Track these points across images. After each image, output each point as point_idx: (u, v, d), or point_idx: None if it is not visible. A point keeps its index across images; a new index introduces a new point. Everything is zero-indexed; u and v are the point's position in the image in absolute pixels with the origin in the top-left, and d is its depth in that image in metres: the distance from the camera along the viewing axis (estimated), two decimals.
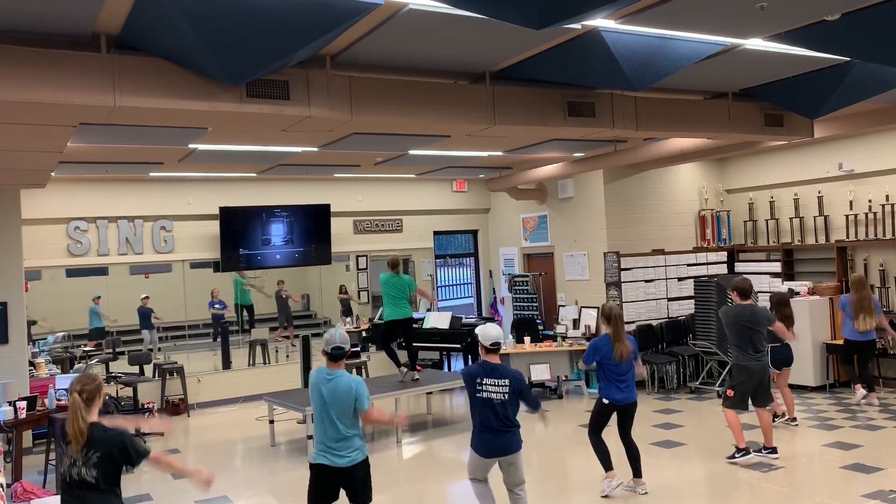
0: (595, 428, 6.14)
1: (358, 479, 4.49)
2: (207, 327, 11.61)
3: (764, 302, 8.61)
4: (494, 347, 5.01)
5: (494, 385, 4.91)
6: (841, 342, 9.04)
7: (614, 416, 6.16)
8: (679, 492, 6.18)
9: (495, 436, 4.92)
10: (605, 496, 6.03)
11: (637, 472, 6.18)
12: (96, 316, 10.61)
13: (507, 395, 4.91)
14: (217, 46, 4.32)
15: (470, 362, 11.45)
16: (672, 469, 6.79)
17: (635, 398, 6.10)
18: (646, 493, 6.11)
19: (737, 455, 6.75)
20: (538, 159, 10.47)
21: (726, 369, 10.02)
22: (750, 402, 6.92)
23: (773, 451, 6.91)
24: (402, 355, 9.19)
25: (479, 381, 4.92)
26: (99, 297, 10.55)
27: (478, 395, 4.92)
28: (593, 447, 6.14)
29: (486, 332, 5.04)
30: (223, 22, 4.11)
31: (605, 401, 6.05)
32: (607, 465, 6.09)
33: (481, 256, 13.63)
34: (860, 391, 8.64)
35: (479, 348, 5.07)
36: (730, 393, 6.81)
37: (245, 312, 12.01)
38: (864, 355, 8.85)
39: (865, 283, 8.79)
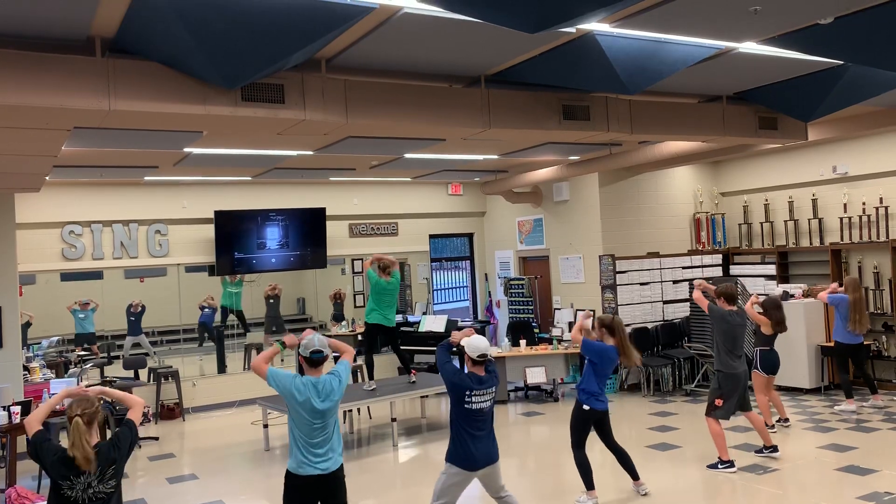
0: (579, 440, 5.99)
1: (339, 486, 4.32)
2: (189, 331, 11.54)
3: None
4: (482, 359, 4.83)
5: (481, 395, 4.77)
6: (832, 345, 9.05)
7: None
8: (675, 494, 6.18)
9: (482, 444, 4.76)
10: None
11: (634, 475, 6.16)
12: (81, 320, 10.53)
13: (492, 402, 4.84)
14: (212, 50, 4.32)
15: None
16: (668, 472, 6.80)
17: (608, 407, 6.06)
18: (647, 493, 6.12)
19: (720, 466, 6.68)
20: (533, 162, 10.49)
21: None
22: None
23: (774, 448, 6.95)
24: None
25: (468, 392, 4.72)
26: (87, 302, 10.46)
27: (465, 405, 4.72)
28: (577, 463, 5.99)
29: (475, 345, 4.83)
30: (218, 25, 4.11)
31: (586, 407, 5.93)
32: (589, 483, 5.96)
33: (477, 260, 13.64)
34: (851, 405, 8.62)
35: (466, 360, 4.87)
36: (719, 402, 6.65)
37: (234, 317, 11.90)
38: (860, 358, 8.87)
39: (860, 286, 8.82)
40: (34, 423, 3.74)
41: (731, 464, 6.67)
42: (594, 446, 6.15)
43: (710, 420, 6.71)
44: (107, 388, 4.15)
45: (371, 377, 8.78)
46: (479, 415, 4.75)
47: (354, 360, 10.34)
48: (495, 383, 4.87)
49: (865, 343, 9.25)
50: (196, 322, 11.45)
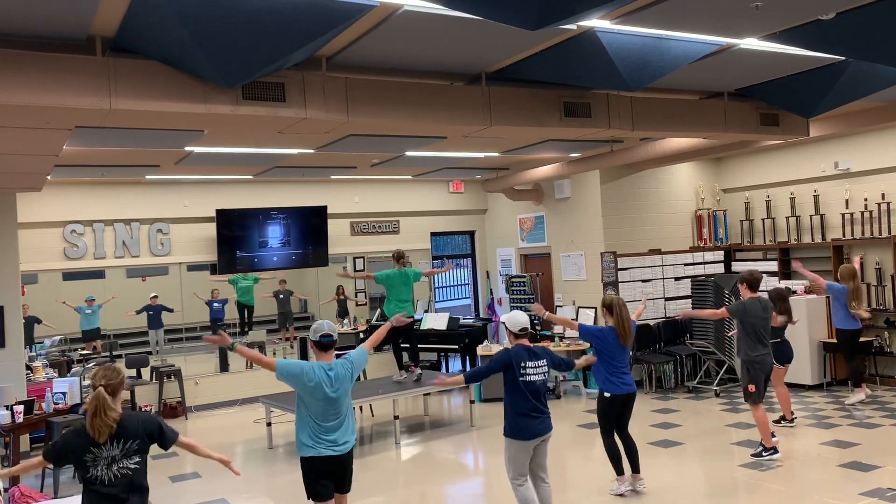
0: (606, 428, 6.10)
1: (349, 465, 4.59)
2: (205, 330, 11.58)
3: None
4: (523, 332, 5.03)
5: (535, 367, 4.95)
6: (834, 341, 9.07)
7: None
8: (678, 491, 6.18)
9: (537, 418, 4.94)
10: (619, 495, 6.05)
11: (635, 468, 6.18)
12: (87, 317, 10.57)
13: (545, 376, 5.01)
14: (213, 48, 4.32)
15: (468, 363, 11.45)
16: (670, 468, 6.80)
17: (634, 390, 6.09)
18: (643, 489, 6.14)
19: (764, 454, 6.77)
20: (534, 160, 10.48)
21: (724, 368, 10.06)
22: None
23: (774, 450, 6.99)
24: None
25: (523, 364, 4.90)
26: (93, 298, 10.51)
27: (521, 378, 4.90)
28: (606, 450, 6.11)
29: (514, 319, 5.07)
30: (219, 24, 4.11)
31: (607, 394, 6.02)
32: (619, 469, 6.08)
33: (478, 257, 13.63)
34: (860, 394, 8.64)
35: (508, 336, 5.09)
36: (751, 388, 6.78)
37: (245, 313, 12.00)
38: (856, 346, 8.90)
39: (856, 273, 8.85)
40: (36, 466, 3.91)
41: (774, 450, 6.75)
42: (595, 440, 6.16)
43: (754, 408, 6.84)
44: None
45: (400, 368, 8.86)
46: (532, 387, 4.93)
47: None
48: (547, 356, 5.06)
49: (867, 339, 9.28)
50: (207, 319, 11.48)
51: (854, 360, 8.87)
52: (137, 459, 3.69)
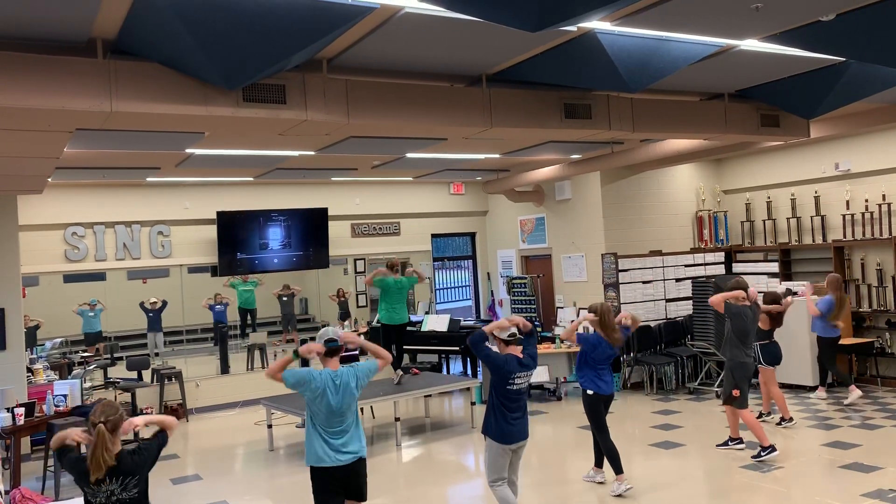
0: (598, 425, 6.24)
1: (361, 474, 4.57)
2: (206, 332, 11.58)
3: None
4: (512, 338, 5.09)
5: (522, 378, 5.06)
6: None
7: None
8: (678, 492, 6.18)
9: (517, 423, 5.06)
10: (619, 495, 6.07)
11: (599, 463, 6.44)
12: (89, 320, 10.56)
13: (528, 383, 5.13)
14: (213, 51, 4.32)
15: (469, 365, 11.44)
16: (671, 470, 6.79)
17: (613, 391, 6.31)
18: (602, 482, 6.33)
19: (763, 453, 6.79)
20: (535, 161, 10.48)
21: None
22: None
23: (737, 442, 7.22)
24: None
25: (513, 374, 5.01)
26: (95, 302, 10.51)
27: (508, 387, 5.01)
28: (604, 449, 6.25)
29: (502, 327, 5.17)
30: (220, 26, 4.12)
31: (590, 391, 6.21)
32: (618, 468, 6.16)
33: (479, 259, 13.63)
34: (856, 392, 8.64)
35: (497, 344, 5.16)
36: (736, 393, 6.88)
37: (248, 316, 11.98)
38: (835, 353, 8.97)
39: (841, 284, 8.93)
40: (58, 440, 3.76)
41: (772, 448, 6.79)
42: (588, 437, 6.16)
43: (741, 412, 6.92)
44: (150, 418, 4.05)
45: (395, 369, 8.86)
46: (517, 395, 5.06)
47: None
48: (534, 366, 5.16)
49: (869, 340, 9.27)
50: (211, 321, 11.46)
51: (834, 365, 8.91)
52: (136, 491, 3.67)
